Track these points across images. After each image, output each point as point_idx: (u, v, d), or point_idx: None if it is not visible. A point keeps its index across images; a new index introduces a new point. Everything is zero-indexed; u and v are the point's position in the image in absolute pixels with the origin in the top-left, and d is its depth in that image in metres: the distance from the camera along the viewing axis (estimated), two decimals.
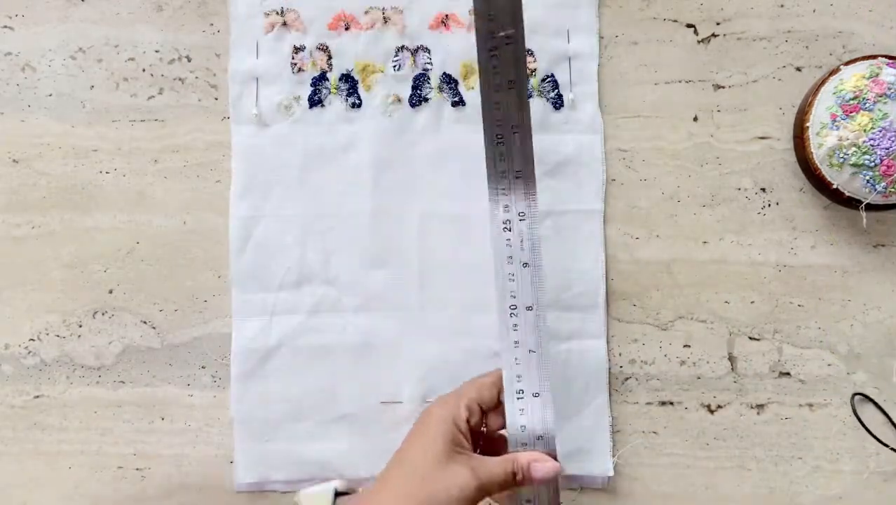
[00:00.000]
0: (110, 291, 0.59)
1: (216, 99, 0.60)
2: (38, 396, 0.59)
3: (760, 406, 0.59)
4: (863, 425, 0.58)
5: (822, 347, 0.59)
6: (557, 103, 0.60)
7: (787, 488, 0.59)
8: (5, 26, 0.60)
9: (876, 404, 0.58)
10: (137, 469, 0.59)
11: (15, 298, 0.59)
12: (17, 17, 0.60)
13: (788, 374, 0.59)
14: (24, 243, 0.60)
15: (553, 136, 0.60)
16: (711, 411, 0.59)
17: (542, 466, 0.48)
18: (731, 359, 0.59)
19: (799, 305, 0.59)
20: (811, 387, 0.59)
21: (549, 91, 0.60)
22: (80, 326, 0.59)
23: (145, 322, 0.59)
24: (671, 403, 0.59)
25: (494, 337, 0.58)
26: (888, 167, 0.54)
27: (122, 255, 0.59)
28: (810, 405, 0.59)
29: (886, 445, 0.58)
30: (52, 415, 0.59)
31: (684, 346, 0.59)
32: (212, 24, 0.60)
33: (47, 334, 0.59)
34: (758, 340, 0.59)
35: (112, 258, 0.59)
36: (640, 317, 0.59)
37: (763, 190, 0.60)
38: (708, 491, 0.59)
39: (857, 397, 0.59)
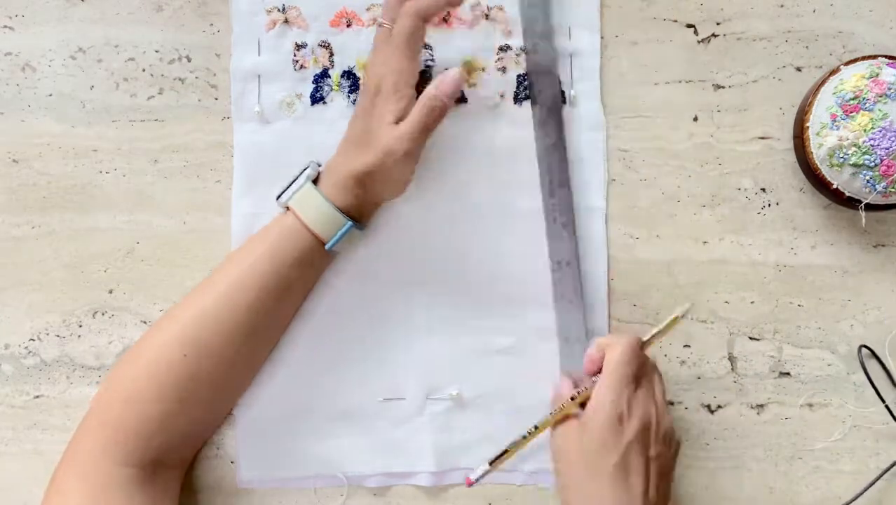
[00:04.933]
0: (110, 291, 0.59)
1: (216, 99, 0.60)
2: (38, 396, 0.59)
3: (760, 406, 0.59)
4: (868, 378, 0.58)
5: (822, 347, 0.59)
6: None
7: (787, 488, 0.59)
8: (5, 26, 0.60)
9: (880, 360, 0.59)
10: None
11: (15, 298, 0.59)
12: (17, 17, 0.60)
13: (788, 374, 0.59)
14: (24, 243, 0.59)
15: None
16: (711, 411, 0.59)
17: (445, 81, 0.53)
18: (731, 359, 0.59)
19: (799, 305, 0.59)
20: (811, 387, 0.59)
21: None
22: (80, 326, 0.59)
23: (145, 322, 0.59)
24: (671, 403, 0.59)
25: (497, 334, 0.59)
26: (888, 167, 0.54)
27: (122, 255, 0.59)
28: (810, 405, 0.59)
29: (884, 403, 0.58)
30: (52, 415, 0.59)
31: (684, 346, 0.59)
32: (212, 24, 0.60)
33: (47, 334, 0.59)
34: (758, 340, 0.59)
35: (112, 258, 0.59)
36: (640, 317, 0.59)
37: (763, 190, 0.60)
38: (708, 491, 0.59)
39: (863, 351, 0.59)
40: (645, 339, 0.53)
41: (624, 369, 0.50)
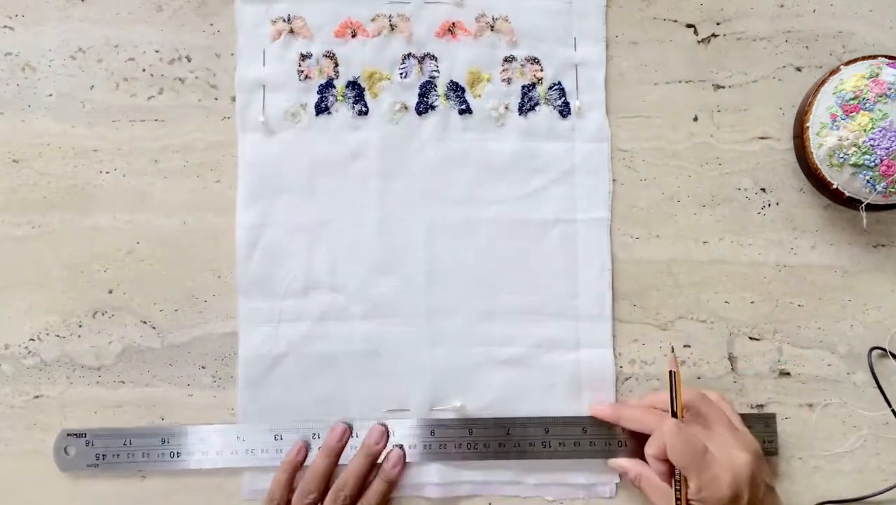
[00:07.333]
0: (110, 291, 0.59)
1: (216, 99, 0.60)
2: (38, 396, 0.59)
3: (760, 406, 0.59)
4: (877, 383, 0.58)
5: (822, 347, 0.59)
6: (564, 111, 0.60)
7: (788, 488, 0.59)
8: (5, 26, 0.60)
9: (893, 356, 0.59)
10: (137, 469, 0.59)
11: (15, 298, 0.59)
12: (17, 17, 0.60)
13: (788, 374, 0.59)
14: (24, 243, 0.59)
15: (560, 145, 0.60)
16: None
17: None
18: (731, 359, 0.59)
19: (799, 305, 0.59)
20: (811, 387, 0.59)
21: (556, 99, 0.60)
22: (80, 326, 0.59)
23: (145, 322, 0.59)
24: None
25: (501, 345, 0.59)
26: (888, 167, 0.54)
27: (122, 255, 0.59)
28: (810, 405, 0.59)
29: (891, 408, 0.58)
30: (52, 415, 0.59)
31: (684, 346, 0.59)
32: (212, 24, 0.60)
33: (47, 334, 0.59)
34: (758, 340, 0.59)
35: (112, 258, 0.59)
36: (640, 317, 0.59)
37: (763, 190, 0.60)
38: None
39: (874, 352, 0.59)
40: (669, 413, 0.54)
41: (689, 458, 0.51)
